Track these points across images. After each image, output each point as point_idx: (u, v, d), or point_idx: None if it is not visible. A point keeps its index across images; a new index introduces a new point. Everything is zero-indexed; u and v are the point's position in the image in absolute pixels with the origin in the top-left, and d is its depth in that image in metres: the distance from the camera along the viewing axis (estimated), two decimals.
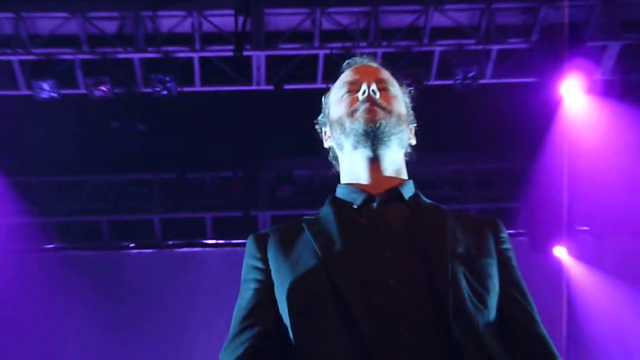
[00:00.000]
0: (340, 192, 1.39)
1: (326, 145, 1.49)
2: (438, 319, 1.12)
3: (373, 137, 1.35)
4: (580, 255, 6.18)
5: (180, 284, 6.09)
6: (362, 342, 1.10)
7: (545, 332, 1.26)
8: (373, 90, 1.38)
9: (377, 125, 1.34)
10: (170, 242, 6.04)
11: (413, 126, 1.45)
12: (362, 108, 1.36)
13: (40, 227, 6.26)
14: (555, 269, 6.07)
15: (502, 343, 1.20)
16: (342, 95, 1.43)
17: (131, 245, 6.43)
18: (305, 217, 1.38)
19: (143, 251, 6.55)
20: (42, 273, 6.26)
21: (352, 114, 1.37)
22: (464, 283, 1.19)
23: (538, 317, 1.27)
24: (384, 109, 1.37)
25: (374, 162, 1.37)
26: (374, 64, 1.47)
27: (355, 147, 1.36)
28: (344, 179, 1.42)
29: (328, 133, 1.48)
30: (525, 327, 1.25)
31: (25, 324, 6.30)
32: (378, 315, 1.12)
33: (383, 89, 1.39)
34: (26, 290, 6.18)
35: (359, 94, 1.38)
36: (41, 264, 6.41)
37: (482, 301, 1.20)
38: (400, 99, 1.44)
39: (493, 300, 1.21)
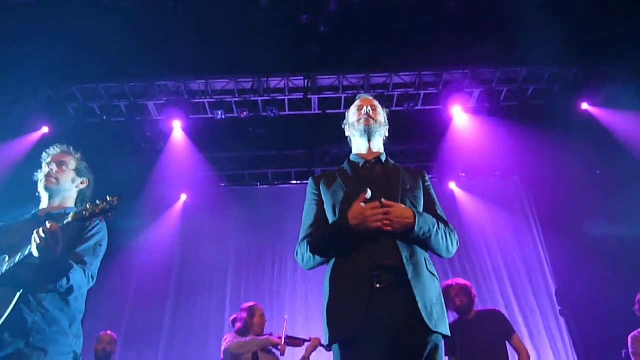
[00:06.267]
0: (352, 157, 1.98)
1: (347, 134, 2.09)
2: None
3: (368, 133, 1.94)
4: (461, 187, 8.31)
5: None
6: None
7: (446, 220, 1.84)
8: (369, 110, 1.96)
9: (370, 127, 1.93)
10: None
11: (387, 127, 2.06)
12: (363, 119, 1.95)
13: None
14: (450, 194, 8.26)
15: None
16: (355, 111, 2.03)
17: None
18: (337, 168, 1.94)
19: None
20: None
21: (359, 121, 1.98)
22: (408, 202, 1.78)
23: (442, 213, 1.89)
24: (373, 119, 1.96)
25: (368, 144, 1.95)
26: (370, 97, 2.10)
27: (360, 137, 1.97)
28: (354, 151, 2.02)
29: (347, 128, 2.08)
30: (435, 217, 1.81)
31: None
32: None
33: (374, 109, 2.00)
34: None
35: (363, 111, 1.99)
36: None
37: (416, 209, 1.78)
38: (382, 114, 2.04)
39: (420, 209, 1.79)
